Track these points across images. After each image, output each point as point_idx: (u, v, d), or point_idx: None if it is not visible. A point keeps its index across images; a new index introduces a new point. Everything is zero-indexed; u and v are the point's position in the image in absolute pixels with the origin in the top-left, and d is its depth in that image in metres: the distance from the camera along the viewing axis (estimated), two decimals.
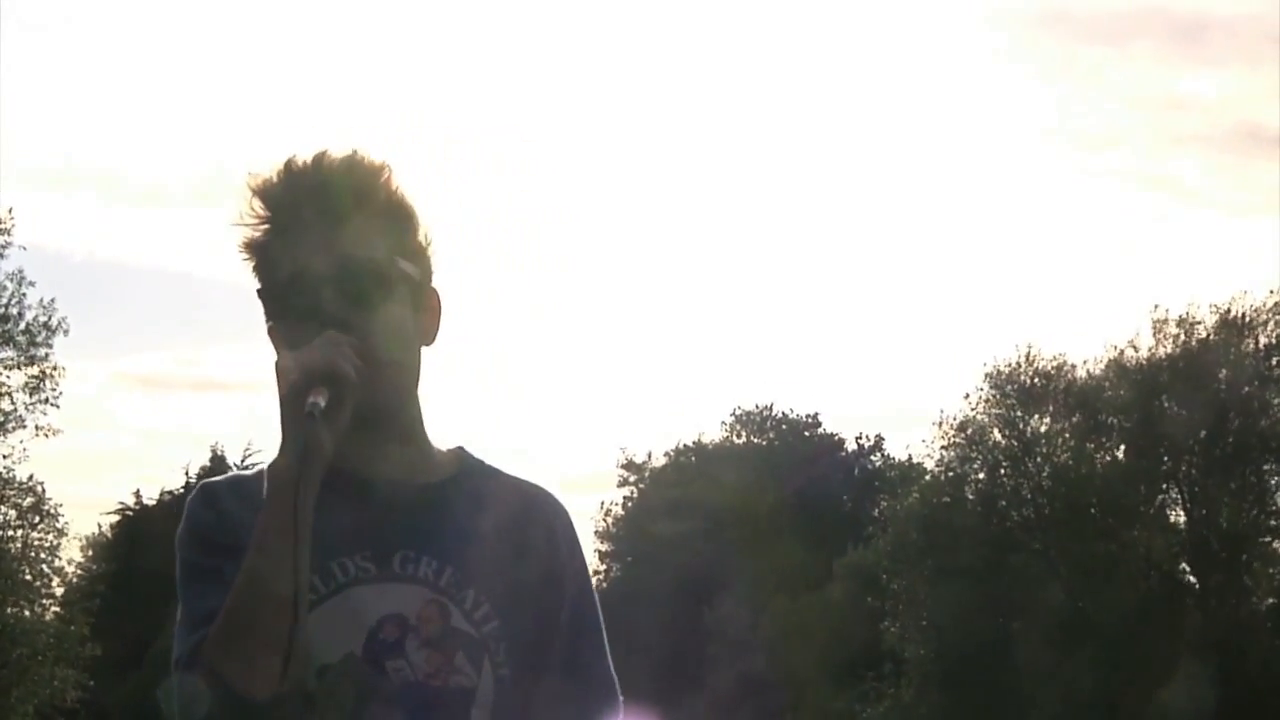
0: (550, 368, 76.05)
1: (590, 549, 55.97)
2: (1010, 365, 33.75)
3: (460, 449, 2.25)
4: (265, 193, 2.16)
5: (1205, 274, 68.09)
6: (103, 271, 70.93)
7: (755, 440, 56.09)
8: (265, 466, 2.09)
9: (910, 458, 41.96)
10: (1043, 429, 33.71)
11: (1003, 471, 33.76)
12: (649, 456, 57.11)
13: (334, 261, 2.09)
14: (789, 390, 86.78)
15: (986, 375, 33.96)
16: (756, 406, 56.68)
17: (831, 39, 75.36)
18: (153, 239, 72.36)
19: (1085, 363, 33.82)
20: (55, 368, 32.78)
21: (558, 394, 75.68)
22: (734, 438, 56.76)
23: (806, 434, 55.49)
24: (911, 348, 72.07)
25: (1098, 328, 73.61)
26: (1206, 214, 61.69)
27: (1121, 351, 33.14)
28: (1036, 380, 33.67)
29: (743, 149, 75.53)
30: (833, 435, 55.40)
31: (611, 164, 78.03)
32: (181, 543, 2.12)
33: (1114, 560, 31.49)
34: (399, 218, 2.19)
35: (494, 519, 2.16)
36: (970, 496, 33.97)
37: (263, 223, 2.15)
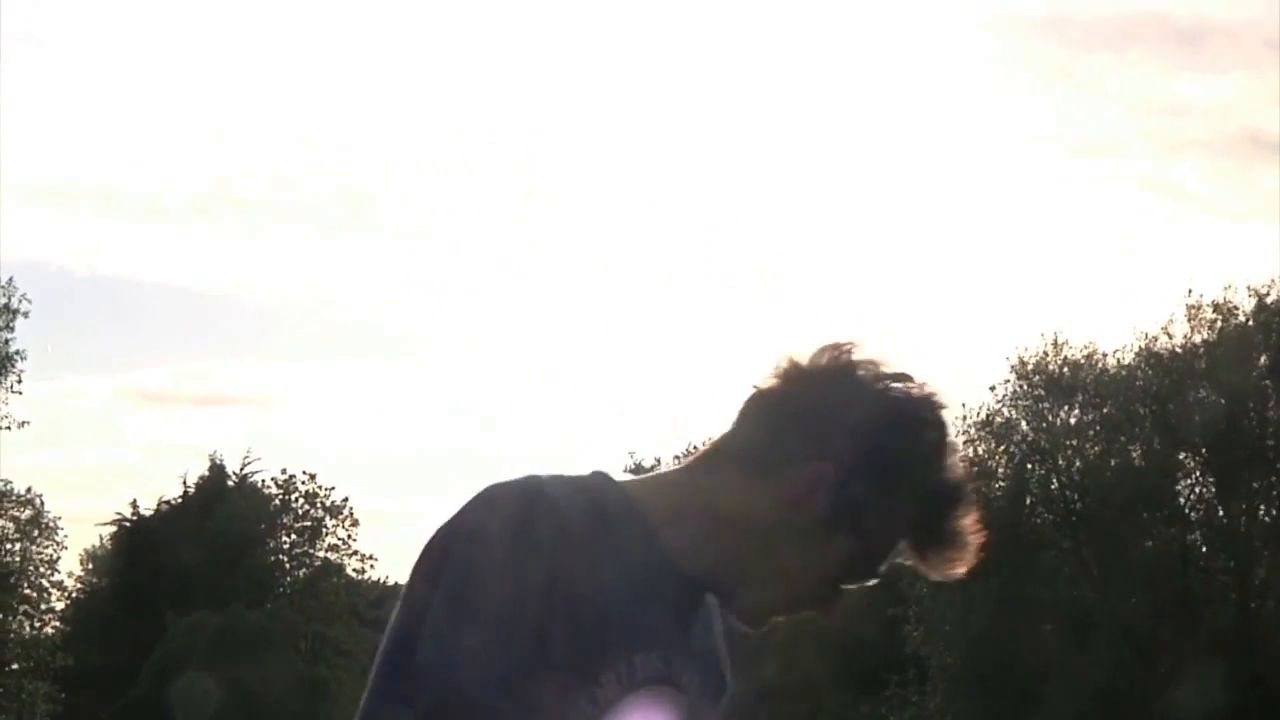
0: (555, 372, 75.12)
1: None
2: (1037, 355, 32.31)
3: None
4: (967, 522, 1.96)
5: (1209, 280, 67.37)
6: (103, 287, 71.39)
7: None
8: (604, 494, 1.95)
9: None
10: (1072, 421, 32.26)
11: (1030, 467, 32.30)
12: (657, 461, 55.92)
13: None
14: None
15: (1012, 367, 32.54)
16: None
17: (832, 47, 75.18)
18: (153, 253, 72.13)
19: (1116, 351, 32.42)
20: (18, 353, 31.38)
21: (562, 398, 74.85)
22: None
23: None
24: (914, 352, 71.18)
25: (1101, 332, 73.11)
26: (1209, 220, 61.37)
27: (1154, 339, 31.76)
28: (1065, 370, 32.21)
29: (744, 150, 74.94)
30: None
31: (618, 160, 77.41)
32: (504, 557, 1.83)
33: (1150, 558, 30.00)
34: None
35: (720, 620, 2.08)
36: (996, 494, 32.44)
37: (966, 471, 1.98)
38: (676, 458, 55.81)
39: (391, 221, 69.92)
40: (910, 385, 1.93)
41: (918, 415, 1.92)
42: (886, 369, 1.94)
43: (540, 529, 1.85)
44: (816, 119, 73.15)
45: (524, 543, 1.84)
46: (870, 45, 71.87)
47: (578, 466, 1.98)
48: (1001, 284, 67.27)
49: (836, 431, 1.90)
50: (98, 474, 69.19)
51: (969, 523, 1.93)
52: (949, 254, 69.95)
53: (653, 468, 46.66)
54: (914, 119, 70.87)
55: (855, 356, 1.93)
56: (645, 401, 77.22)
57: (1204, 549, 31.66)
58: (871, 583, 1.97)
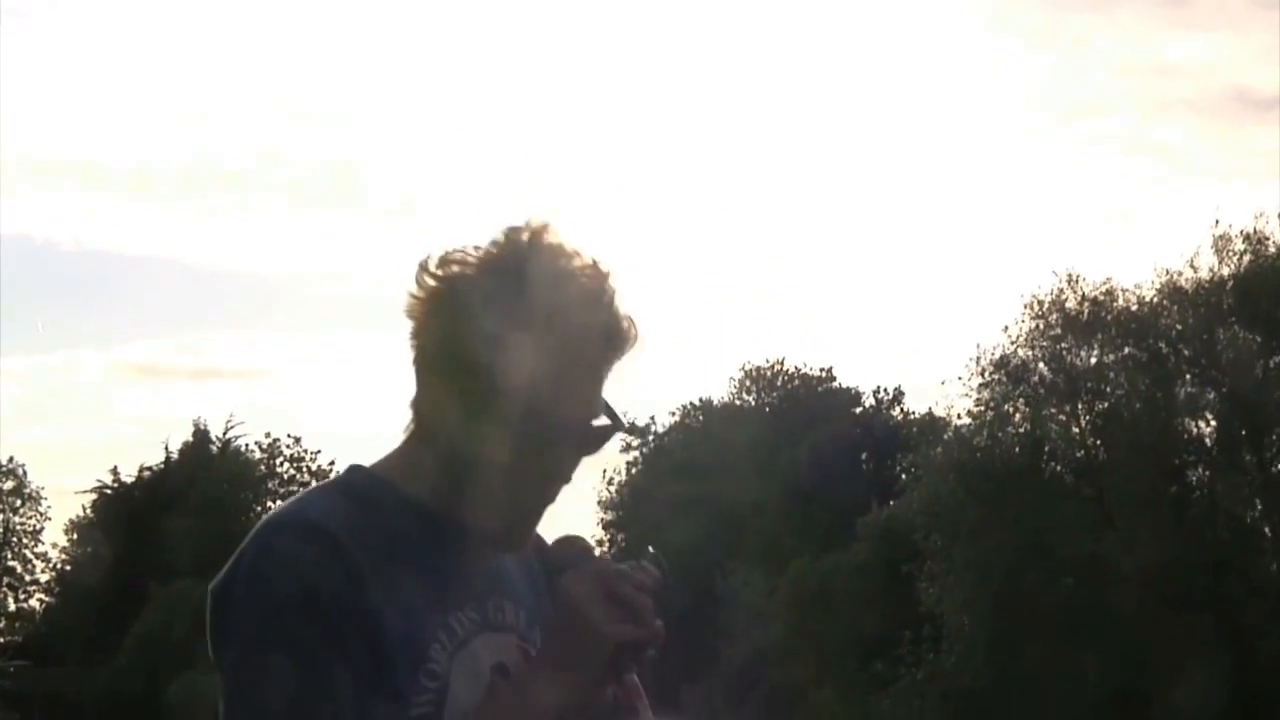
0: None
1: (594, 519, 54.63)
2: (1053, 293, 30.66)
3: None
4: (608, 308, 2.04)
5: (1199, 238, 66.70)
6: (91, 261, 71.15)
7: (766, 398, 53.96)
8: (369, 480, 2.06)
9: (931, 410, 39.35)
10: (1092, 361, 30.66)
11: (1049, 411, 30.71)
12: (652, 420, 54.74)
13: (603, 415, 2.07)
14: (800, 345, 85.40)
15: (1026, 306, 30.94)
16: (767, 362, 54.54)
17: (819, 13, 74.69)
18: (140, 227, 72.74)
19: (1138, 287, 30.74)
20: None
21: None
22: (744, 395, 54.42)
23: (820, 389, 53.12)
24: (902, 319, 71.31)
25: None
26: (1197, 179, 60.61)
27: (1179, 274, 30.08)
28: (1084, 308, 30.57)
29: (745, 111, 74.71)
30: (848, 389, 53.03)
31: (615, 116, 76.57)
32: (285, 608, 1.88)
33: (1181, 506, 28.46)
34: None
35: (526, 554, 2.16)
36: (1013, 440, 30.87)
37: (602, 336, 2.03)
38: (672, 414, 55.63)
39: (379, 193, 70.15)
40: (468, 256, 2.00)
41: (512, 274, 1.97)
42: (457, 253, 2.01)
43: (321, 553, 1.88)
44: (805, 88, 73.52)
45: (294, 588, 1.86)
46: (857, 9, 71.59)
47: None
48: (990, 247, 67.06)
49: (444, 343, 2.07)
50: (92, 448, 69.52)
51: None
52: (936, 218, 70.16)
53: (647, 427, 45.55)
54: (901, 83, 71.06)
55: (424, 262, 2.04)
56: (638, 375, 76.70)
57: (1234, 496, 30.10)
58: (618, 430, 2.04)
